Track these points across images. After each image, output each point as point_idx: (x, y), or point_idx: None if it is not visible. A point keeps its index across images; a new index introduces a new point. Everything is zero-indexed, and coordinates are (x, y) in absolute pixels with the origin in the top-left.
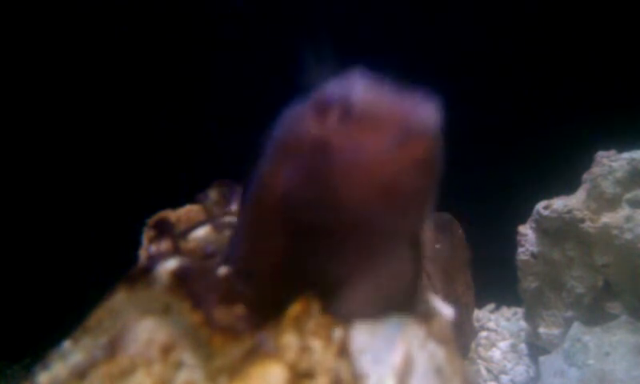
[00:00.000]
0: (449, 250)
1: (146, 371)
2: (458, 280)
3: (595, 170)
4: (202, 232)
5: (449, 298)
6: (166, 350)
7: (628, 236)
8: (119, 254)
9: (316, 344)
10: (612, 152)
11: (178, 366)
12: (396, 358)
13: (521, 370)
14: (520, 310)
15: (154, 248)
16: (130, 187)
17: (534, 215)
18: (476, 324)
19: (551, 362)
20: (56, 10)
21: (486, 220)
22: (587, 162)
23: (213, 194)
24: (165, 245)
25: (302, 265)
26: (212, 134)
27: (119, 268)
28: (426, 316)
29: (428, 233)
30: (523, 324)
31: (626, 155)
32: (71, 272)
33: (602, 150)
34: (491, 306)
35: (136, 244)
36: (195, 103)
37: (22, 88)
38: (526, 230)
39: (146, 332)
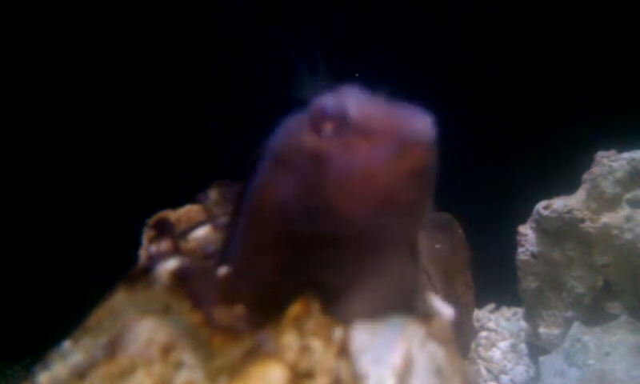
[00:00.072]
0: (449, 250)
1: (145, 371)
2: (458, 280)
3: (595, 170)
4: (201, 232)
5: (449, 297)
6: (166, 350)
7: (628, 236)
8: (119, 254)
9: (316, 344)
10: (612, 152)
11: (178, 366)
12: (396, 358)
13: (521, 369)
14: (520, 310)
15: (153, 248)
16: (130, 187)
17: (534, 215)
18: (476, 324)
19: (551, 362)
20: (56, 10)
21: (486, 220)
22: (587, 162)
23: (213, 194)
24: (165, 245)
25: (300, 273)
26: (212, 133)
27: (119, 268)
28: (426, 316)
29: (425, 236)
30: (523, 324)
31: (626, 155)
32: (71, 272)
33: (601, 150)
34: (491, 306)
35: (136, 244)
36: (195, 103)
37: (22, 88)
38: (526, 230)
39: (146, 332)
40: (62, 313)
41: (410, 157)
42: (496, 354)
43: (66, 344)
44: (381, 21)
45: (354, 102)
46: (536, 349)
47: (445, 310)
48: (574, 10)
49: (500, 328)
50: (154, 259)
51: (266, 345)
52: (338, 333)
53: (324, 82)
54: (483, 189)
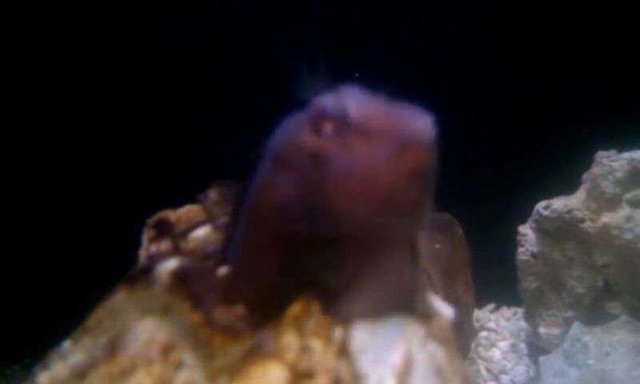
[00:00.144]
0: (449, 250)
1: (145, 371)
2: (458, 280)
3: (595, 170)
4: (201, 232)
5: (449, 297)
6: (166, 350)
7: (628, 236)
8: (119, 254)
9: (316, 344)
10: (612, 152)
11: (178, 365)
12: (396, 358)
13: (521, 369)
14: (520, 310)
15: (153, 248)
16: (130, 187)
17: (534, 215)
18: (476, 324)
19: (551, 362)
20: (56, 10)
21: (486, 220)
22: (587, 162)
23: (213, 194)
24: (165, 245)
25: (300, 273)
26: (212, 134)
27: (119, 268)
28: (426, 316)
29: (425, 236)
30: (523, 324)
31: (626, 155)
32: (71, 272)
33: (601, 150)
34: (491, 306)
35: (136, 244)
36: (195, 103)
37: (22, 88)
38: (526, 230)
39: (146, 332)
40: (62, 313)
41: (410, 157)
42: (496, 353)
43: (66, 344)
44: (381, 21)
45: (354, 102)
46: (536, 349)
47: (445, 310)
48: (574, 10)
49: (500, 328)
50: (154, 259)
51: (265, 345)
52: (337, 333)
53: (324, 82)
54: (483, 189)
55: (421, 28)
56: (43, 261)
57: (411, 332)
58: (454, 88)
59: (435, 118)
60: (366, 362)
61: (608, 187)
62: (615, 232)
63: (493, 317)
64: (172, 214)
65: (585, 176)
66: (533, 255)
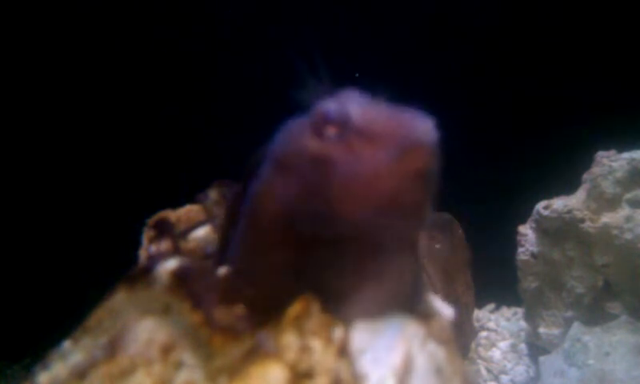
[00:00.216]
0: (449, 250)
1: (145, 371)
2: (458, 280)
3: (595, 170)
4: (202, 232)
5: (449, 297)
6: (166, 350)
7: (628, 236)
8: (119, 254)
9: (316, 344)
10: (612, 152)
11: (178, 366)
12: (396, 358)
13: (521, 369)
14: (520, 310)
15: (153, 248)
16: (130, 187)
17: (534, 215)
18: (476, 324)
19: (551, 362)
20: (56, 10)
21: (486, 220)
22: (587, 162)
23: (213, 194)
24: (165, 245)
25: (300, 273)
26: (212, 134)
27: (119, 268)
28: (426, 316)
29: (426, 236)
30: (523, 324)
31: (626, 155)
32: (71, 272)
33: (601, 150)
34: (491, 306)
35: (136, 244)
36: (195, 103)
37: (22, 88)
38: (526, 230)
39: (146, 332)
40: (62, 313)
41: (413, 160)
42: (496, 353)
43: (66, 344)
44: (381, 21)
45: (356, 105)
46: (536, 349)
47: (445, 310)
48: (574, 9)
49: (500, 328)
50: (154, 259)
51: (266, 345)
52: (337, 333)
53: (326, 87)
54: (483, 189)
55: (421, 28)
56: (43, 261)
57: (411, 332)
58: (454, 88)
59: (436, 121)
60: (365, 362)
61: (608, 187)
62: (615, 232)
63: (493, 317)
64: (172, 214)
65: (585, 176)
66: (533, 255)
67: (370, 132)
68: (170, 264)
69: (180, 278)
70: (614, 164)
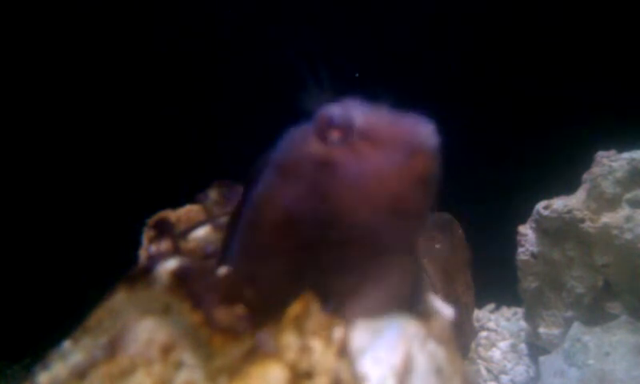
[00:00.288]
0: (449, 250)
1: (145, 371)
2: (458, 280)
3: (595, 170)
4: (201, 232)
5: (449, 297)
6: (166, 350)
7: (628, 236)
8: (119, 254)
9: (316, 344)
10: (612, 152)
11: (178, 365)
12: (396, 358)
13: (521, 369)
14: (520, 310)
15: (154, 248)
16: (130, 187)
17: (534, 215)
18: (476, 324)
19: (551, 362)
20: (56, 10)
21: (486, 220)
22: (587, 162)
23: (213, 194)
24: (165, 245)
25: (301, 274)
26: (212, 134)
27: (119, 268)
28: (426, 316)
29: (425, 236)
30: (523, 324)
31: (626, 155)
32: (71, 272)
33: (601, 150)
34: (491, 306)
35: (136, 244)
36: (195, 103)
37: (22, 88)
38: (526, 230)
39: (146, 332)
40: (62, 313)
41: (416, 164)
42: (496, 354)
43: (66, 344)
44: (381, 21)
45: (360, 110)
46: (536, 349)
47: (445, 309)
48: (574, 9)
49: (500, 328)
50: (154, 259)
51: (265, 345)
52: (337, 333)
53: (328, 93)
54: (483, 189)
55: (421, 28)
56: (43, 261)
57: (411, 332)
58: (454, 88)
59: (437, 124)
60: (365, 362)
61: (608, 187)
62: (615, 232)
63: (493, 317)
64: (172, 214)
65: (585, 176)
66: (533, 255)
67: (374, 136)
68: (170, 264)
69: (180, 278)
70: (613, 164)
